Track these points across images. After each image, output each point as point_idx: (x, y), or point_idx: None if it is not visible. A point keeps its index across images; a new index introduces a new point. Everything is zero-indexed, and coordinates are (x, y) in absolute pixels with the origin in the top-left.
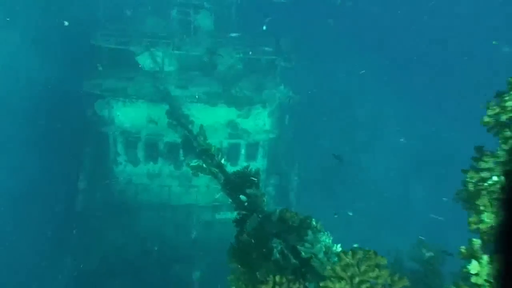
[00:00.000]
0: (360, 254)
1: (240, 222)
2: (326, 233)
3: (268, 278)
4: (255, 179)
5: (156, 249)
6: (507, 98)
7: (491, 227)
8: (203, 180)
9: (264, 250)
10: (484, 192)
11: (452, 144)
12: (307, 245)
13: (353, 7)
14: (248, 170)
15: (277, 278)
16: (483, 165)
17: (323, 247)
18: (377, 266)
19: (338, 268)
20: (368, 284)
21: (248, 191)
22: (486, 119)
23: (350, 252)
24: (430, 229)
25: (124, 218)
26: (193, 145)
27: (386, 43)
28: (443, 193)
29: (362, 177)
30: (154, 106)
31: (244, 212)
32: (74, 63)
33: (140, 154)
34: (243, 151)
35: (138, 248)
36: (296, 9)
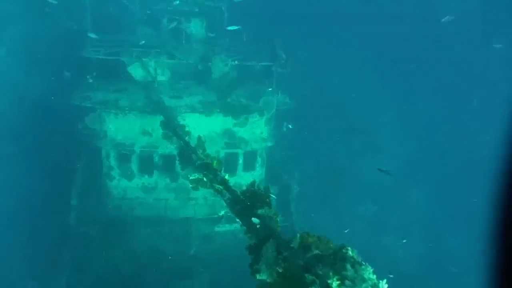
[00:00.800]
0: None
1: (254, 250)
2: (368, 266)
3: None
4: (267, 198)
5: (154, 270)
6: None
7: None
8: (201, 192)
9: None
10: None
11: (449, 147)
12: (348, 283)
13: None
14: (257, 187)
15: None
16: None
17: (369, 286)
18: None
19: None
20: None
21: (260, 211)
22: None
23: None
24: (428, 232)
25: (120, 234)
26: (192, 158)
27: (381, 45)
28: (439, 195)
29: (360, 181)
30: (147, 117)
31: (256, 236)
32: (62, 75)
33: (135, 167)
34: (240, 161)
35: (135, 265)
36: (291, 13)
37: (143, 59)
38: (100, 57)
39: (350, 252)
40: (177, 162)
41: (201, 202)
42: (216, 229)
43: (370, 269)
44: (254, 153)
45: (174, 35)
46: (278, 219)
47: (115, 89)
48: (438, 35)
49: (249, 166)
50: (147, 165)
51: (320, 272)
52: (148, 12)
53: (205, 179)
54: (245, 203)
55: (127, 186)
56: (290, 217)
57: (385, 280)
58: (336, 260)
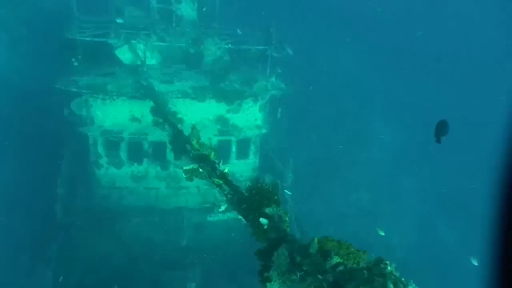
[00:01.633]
0: None
1: (264, 255)
2: (412, 284)
3: None
4: (276, 195)
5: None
6: None
7: None
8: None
9: None
10: None
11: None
12: None
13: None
14: (264, 183)
15: None
16: None
17: None
18: None
19: None
20: None
21: (268, 210)
22: None
23: None
24: (420, 219)
25: (109, 224)
26: (186, 148)
27: (374, 34)
28: (431, 183)
29: (353, 170)
30: (136, 103)
31: (265, 239)
32: (48, 59)
33: (123, 155)
34: (234, 148)
35: (125, 256)
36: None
37: (132, 41)
38: (86, 39)
39: (389, 267)
40: (168, 149)
41: (193, 191)
42: (209, 218)
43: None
44: (247, 140)
45: (164, 17)
46: (287, 219)
47: (102, 73)
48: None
49: (242, 154)
50: (136, 152)
51: None
52: None
53: (200, 169)
54: (251, 201)
55: (116, 174)
56: (285, 205)
57: None
58: (373, 277)
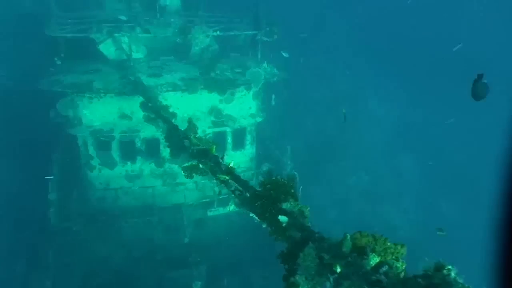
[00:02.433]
0: None
1: (287, 258)
2: None
3: None
4: (292, 189)
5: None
6: None
7: None
8: None
9: None
10: None
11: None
12: None
13: None
14: (278, 176)
15: None
16: None
17: None
18: None
19: None
20: None
21: (285, 206)
22: None
23: None
24: (421, 199)
25: (106, 227)
26: (184, 144)
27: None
28: (430, 160)
29: (350, 152)
30: (125, 99)
31: (287, 239)
32: (28, 59)
33: (116, 154)
34: (229, 139)
35: (125, 258)
36: None
37: (115, 35)
38: (67, 35)
39: (453, 273)
40: (161, 146)
41: (191, 186)
42: (209, 213)
43: None
44: (243, 130)
45: (147, 8)
46: (308, 214)
47: (87, 70)
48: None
49: (238, 144)
50: (129, 151)
51: None
52: None
53: (200, 165)
54: (266, 197)
55: (110, 175)
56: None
57: None
58: (435, 286)
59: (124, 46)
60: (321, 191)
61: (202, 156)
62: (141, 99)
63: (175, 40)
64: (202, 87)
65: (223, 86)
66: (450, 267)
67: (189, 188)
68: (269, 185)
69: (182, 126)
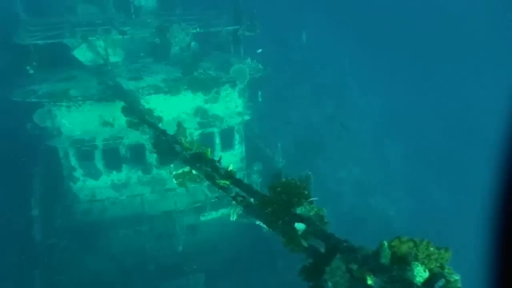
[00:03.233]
0: None
1: (312, 273)
2: None
3: None
4: (306, 190)
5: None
6: None
7: None
8: None
9: None
10: None
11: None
12: None
13: None
14: (290, 178)
15: None
16: None
17: None
18: None
19: None
20: None
21: (299, 211)
22: None
23: None
24: (412, 186)
25: (95, 240)
26: (174, 150)
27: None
28: (418, 148)
29: (337, 145)
30: (105, 105)
31: (306, 250)
32: None
33: (99, 164)
34: (217, 140)
35: (118, 271)
36: None
37: (90, 38)
38: (38, 42)
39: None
40: (147, 151)
41: (181, 191)
42: (202, 218)
43: None
44: (231, 130)
45: (121, 9)
46: (328, 219)
47: (63, 78)
48: None
49: (227, 145)
50: (113, 159)
51: None
52: None
53: (193, 171)
54: (278, 203)
55: (95, 186)
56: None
57: None
58: None
59: (100, 50)
60: (311, 187)
61: (196, 161)
62: (122, 104)
63: (153, 40)
64: (185, 87)
65: (207, 85)
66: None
67: (179, 194)
68: (279, 188)
69: (169, 130)
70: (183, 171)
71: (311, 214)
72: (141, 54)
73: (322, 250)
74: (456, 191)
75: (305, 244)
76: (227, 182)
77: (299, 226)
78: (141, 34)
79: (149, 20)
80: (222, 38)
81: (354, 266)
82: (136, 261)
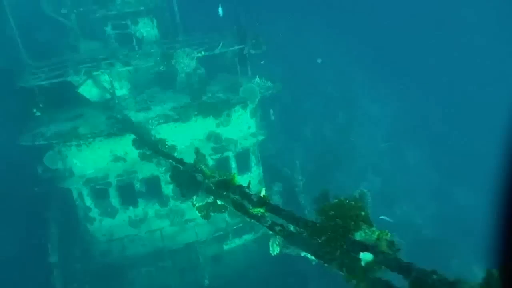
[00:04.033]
0: None
1: None
2: None
3: None
4: (363, 210)
5: None
6: None
7: None
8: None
9: None
10: None
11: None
12: None
13: None
14: (343, 198)
15: None
16: None
17: None
18: None
19: None
20: None
21: (359, 236)
22: None
23: None
24: (436, 192)
25: (117, 282)
26: (196, 179)
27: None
28: (437, 151)
29: (355, 156)
30: (116, 140)
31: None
32: (6, 117)
33: (115, 201)
34: (233, 164)
35: None
36: None
37: (94, 73)
38: (42, 83)
39: None
40: (162, 183)
41: (201, 221)
42: (225, 247)
43: None
44: (246, 152)
45: (124, 43)
46: (397, 245)
47: (70, 117)
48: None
49: (243, 168)
50: (128, 195)
51: None
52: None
53: (218, 202)
54: (332, 229)
55: (112, 224)
56: (303, 212)
57: None
58: None
59: (106, 84)
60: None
61: (223, 188)
62: (132, 137)
63: (158, 69)
64: (195, 113)
65: (217, 109)
66: None
67: (199, 224)
68: (332, 212)
69: (184, 159)
70: (207, 202)
71: (372, 238)
72: (147, 85)
73: (395, 283)
74: (481, 193)
75: (372, 277)
76: (262, 210)
77: (366, 256)
78: (146, 64)
79: (152, 50)
80: (227, 60)
81: None
82: None
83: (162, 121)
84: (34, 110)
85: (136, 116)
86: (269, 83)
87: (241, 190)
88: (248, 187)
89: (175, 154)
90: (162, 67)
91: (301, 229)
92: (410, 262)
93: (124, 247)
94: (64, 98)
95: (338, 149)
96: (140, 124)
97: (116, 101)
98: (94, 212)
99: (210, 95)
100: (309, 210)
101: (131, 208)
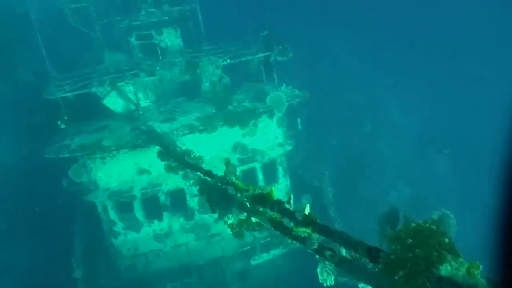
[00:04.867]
0: None
1: None
2: None
3: None
4: (446, 237)
5: None
6: None
7: None
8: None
9: None
10: None
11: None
12: None
13: None
14: (424, 222)
15: None
16: None
17: None
18: None
19: None
20: None
21: (445, 271)
22: None
23: None
24: (469, 199)
25: None
26: (228, 193)
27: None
28: (466, 156)
29: (383, 166)
30: (141, 152)
31: None
32: (35, 131)
33: (139, 214)
34: (260, 176)
35: None
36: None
37: (118, 84)
38: (67, 94)
39: None
40: (188, 196)
41: (227, 235)
42: (252, 262)
43: None
44: (273, 163)
45: (148, 53)
46: (493, 284)
47: (95, 129)
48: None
49: (270, 179)
50: (153, 208)
51: None
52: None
53: (253, 219)
54: (412, 262)
55: (137, 238)
56: (333, 224)
57: None
58: None
59: (130, 95)
60: (362, 214)
61: (259, 203)
62: (157, 148)
63: (183, 78)
64: (221, 123)
65: (243, 118)
66: None
67: (226, 238)
68: (410, 240)
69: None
70: (240, 219)
71: (460, 273)
72: (172, 95)
73: None
74: None
75: None
76: (308, 231)
77: None
78: (170, 74)
79: (176, 60)
80: (252, 68)
81: None
82: None
83: (187, 131)
84: (59, 123)
85: (161, 127)
86: (296, 91)
87: (280, 206)
88: (288, 202)
89: (202, 166)
90: (187, 76)
91: (360, 256)
92: None
93: (149, 262)
94: (89, 110)
95: (365, 158)
96: (165, 135)
97: (141, 112)
98: (119, 226)
99: (236, 104)
100: (339, 222)
101: (155, 221)
